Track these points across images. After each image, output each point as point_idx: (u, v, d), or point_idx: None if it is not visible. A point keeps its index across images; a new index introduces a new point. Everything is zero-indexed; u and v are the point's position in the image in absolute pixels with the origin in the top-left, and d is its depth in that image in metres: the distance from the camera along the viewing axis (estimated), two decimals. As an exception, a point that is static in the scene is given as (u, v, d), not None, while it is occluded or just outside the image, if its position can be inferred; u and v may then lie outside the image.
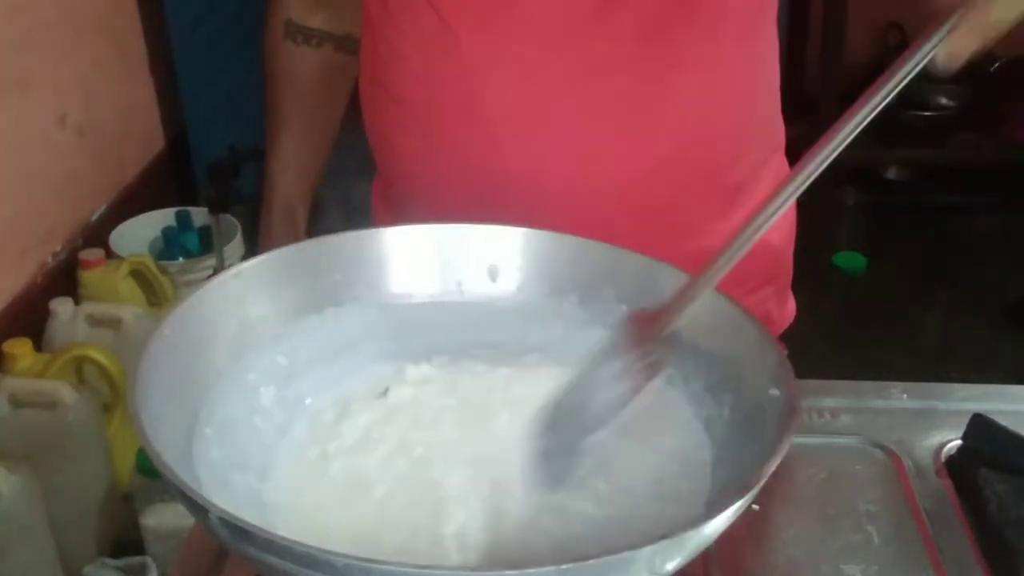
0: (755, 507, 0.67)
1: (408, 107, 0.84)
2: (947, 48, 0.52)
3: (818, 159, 0.53)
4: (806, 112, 2.82)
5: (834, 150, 0.52)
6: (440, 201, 0.83)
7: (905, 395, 0.81)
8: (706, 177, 0.81)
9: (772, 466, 0.51)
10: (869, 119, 0.52)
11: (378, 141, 0.90)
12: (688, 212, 0.82)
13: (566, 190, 0.79)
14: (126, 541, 1.62)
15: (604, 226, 0.70)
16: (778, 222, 0.82)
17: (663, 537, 0.48)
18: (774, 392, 0.58)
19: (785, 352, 0.93)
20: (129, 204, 2.16)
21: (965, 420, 0.74)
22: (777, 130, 0.87)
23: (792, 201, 0.55)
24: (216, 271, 1.96)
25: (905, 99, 2.77)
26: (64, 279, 1.91)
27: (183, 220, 2.17)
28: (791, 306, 0.96)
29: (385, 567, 0.45)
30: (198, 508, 0.48)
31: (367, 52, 0.89)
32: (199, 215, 2.17)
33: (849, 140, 0.52)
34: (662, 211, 0.81)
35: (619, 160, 0.78)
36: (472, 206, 0.76)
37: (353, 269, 0.71)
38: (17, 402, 1.53)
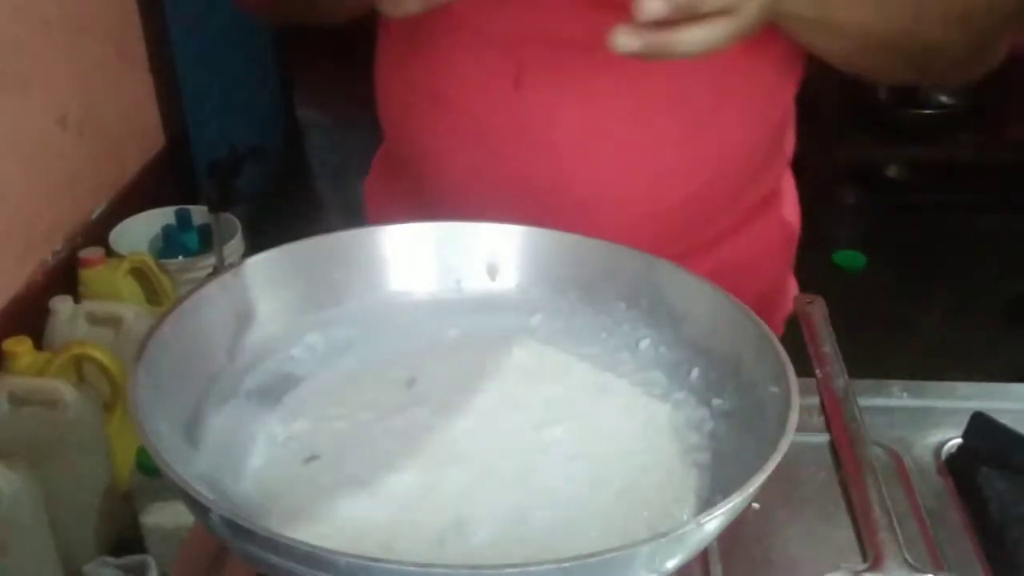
0: (755, 506, 0.67)
1: (459, 118, 0.84)
2: None
3: None
4: (806, 112, 2.82)
5: None
6: (484, 211, 0.82)
7: (905, 394, 0.81)
8: (738, 192, 0.87)
9: (772, 465, 0.51)
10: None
11: (413, 144, 0.89)
12: (720, 224, 0.88)
13: (618, 210, 0.82)
14: (126, 540, 1.62)
15: (643, 242, 0.73)
16: (790, 204, 0.94)
17: (663, 535, 0.48)
18: (774, 390, 0.58)
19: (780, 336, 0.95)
20: (129, 203, 2.16)
21: (965, 419, 0.74)
22: (791, 143, 0.94)
23: None
24: (216, 269, 1.97)
25: (905, 98, 2.77)
26: (64, 277, 1.91)
27: (183, 219, 2.17)
28: (793, 283, 1.00)
29: (386, 566, 0.45)
30: (199, 507, 0.48)
31: (395, 46, 0.87)
32: (199, 214, 2.17)
33: None
34: (698, 227, 0.86)
35: (668, 185, 0.83)
36: (518, 219, 0.76)
37: (353, 268, 0.71)
38: (17, 401, 1.53)
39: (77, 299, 1.85)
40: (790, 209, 0.96)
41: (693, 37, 0.59)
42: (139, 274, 1.93)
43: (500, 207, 0.81)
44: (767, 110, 0.85)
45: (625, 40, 0.58)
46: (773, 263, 0.96)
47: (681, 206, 0.84)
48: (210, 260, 2.06)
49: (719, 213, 0.87)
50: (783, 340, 0.61)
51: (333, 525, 0.57)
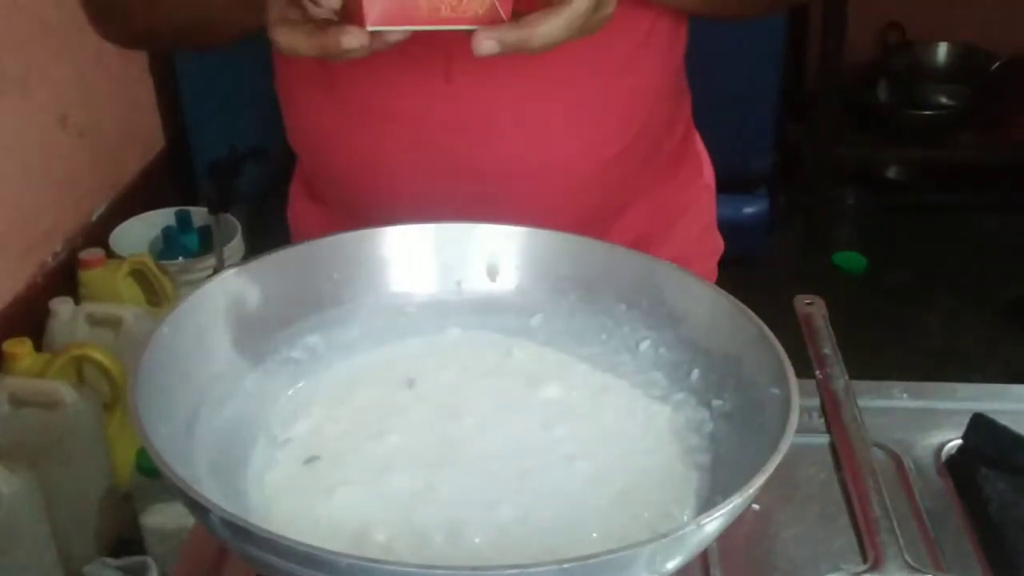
0: (755, 507, 0.67)
1: (394, 123, 0.85)
2: None
3: None
4: (806, 112, 2.83)
5: None
6: (426, 206, 0.83)
7: (905, 395, 0.81)
8: (662, 134, 0.93)
9: (772, 466, 0.51)
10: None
11: (342, 160, 0.89)
12: (651, 171, 0.94)
13: (563, 178, 0.86)
14: (126, 541, 1.62)
15: (588, 202, 0.85)
16: (704, 156, 1.06)
17: (664, 536, 0.48)
18: (774, 391, 0.58)
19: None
20: (129, 204, 2.16)
21: (965, 420, 0.74)
22: (687, 90, 1.00)
23: None
24: (216, 270, 1.97)
25: (905, 99, 2.77)
26: (64, 279, 1.91)
27: (183, 220, 2.17)
28: (718, 235, 1.06)
29: (387, 567, 0.45)
30: (199, 508, 0.48)
31: (305, 69, 0.87)
32: (199, 215, 2.17)
33: None
34: (635, 177, 0.91)
35: (608, 141, 0.87)
36: (457, 207, 0.78)
37: (353, 268, 0.71)
38: (17, 402, 1.53)
39: (77, 300, 1.85)
40: (706, 164, 1.03)
41: (544, 31, 0.65)
42: (139, 275, 1.93)
43: (441, 199, 0.83)
44: (672, 53, 0.91)
45: (484, 44, 0.64)
46: (698, 212, 1.01)
47: (619, 158, 0.87)
48: (210, 261, 2.06)
49: (650, 158, 0.92)
50: (783, 340, 0.61)
51: (333, 526, 0.57)
